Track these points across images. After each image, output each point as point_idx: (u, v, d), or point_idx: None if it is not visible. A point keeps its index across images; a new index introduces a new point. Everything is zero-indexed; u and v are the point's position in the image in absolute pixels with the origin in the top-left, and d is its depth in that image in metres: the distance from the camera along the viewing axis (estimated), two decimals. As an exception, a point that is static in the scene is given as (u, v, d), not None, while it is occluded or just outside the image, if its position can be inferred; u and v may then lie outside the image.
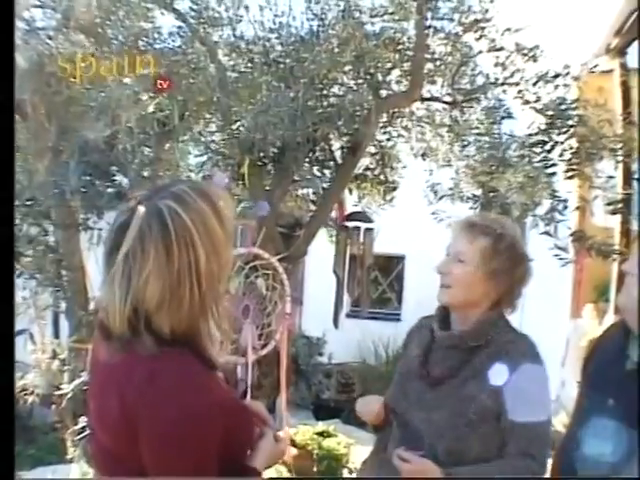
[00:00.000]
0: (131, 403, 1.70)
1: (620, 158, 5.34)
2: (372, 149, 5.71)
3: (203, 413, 1.73)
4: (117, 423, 1.73)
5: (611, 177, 5.41)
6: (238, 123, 5.07)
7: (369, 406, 2.84)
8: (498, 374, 2.59)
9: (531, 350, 2.63)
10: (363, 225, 5.17)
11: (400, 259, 12.13)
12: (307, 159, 4.89)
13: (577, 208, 5.14)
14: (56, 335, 7.65)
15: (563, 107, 5.20)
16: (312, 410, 9.69)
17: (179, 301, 1.74)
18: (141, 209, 1.73)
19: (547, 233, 5.14)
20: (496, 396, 2.54)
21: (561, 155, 5.17)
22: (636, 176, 6.08)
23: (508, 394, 2.54)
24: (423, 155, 5.96)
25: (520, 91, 5.33)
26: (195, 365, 1.79)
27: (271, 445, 2.06)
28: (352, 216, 5.22)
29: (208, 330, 1.85)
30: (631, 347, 2.64)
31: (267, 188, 5.06)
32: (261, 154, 4.75)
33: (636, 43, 6.74)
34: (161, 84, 4.53)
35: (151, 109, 4.43)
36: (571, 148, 5.27)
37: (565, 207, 5.08)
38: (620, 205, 5.55)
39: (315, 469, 5.56)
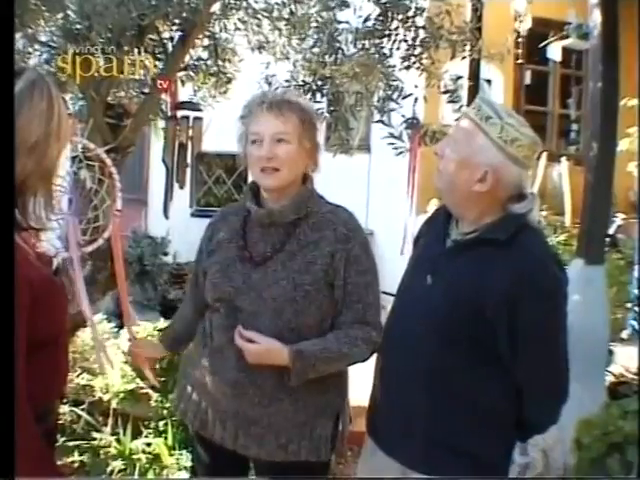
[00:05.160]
0: None
1: (459, 49, 5.37)
2: (206, 41, 5.57)
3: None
4: None
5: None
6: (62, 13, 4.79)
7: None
8: (327, 243, 2.67)
9: (353, 219, 2.75)
10: (192, 114, 5.06)
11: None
12: (137, 48, 4.71)
13: (409, 95, 5.15)
14: None
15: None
16: (159, 311, 9.67)
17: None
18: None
19: (381, 122, 5.19)
20: (327, 265, 2.64)
21: (394, 43, 5.15)
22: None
23: (339, 262, 2.64)
24: (260, 48, 5.85)
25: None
26: None
27: None
28: (181, 105, 5.09)
29: (36, 195, 2.05)
30: (452, 227, 2.77)
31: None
32: (87, 44, 4.53)
33: None
34: (161, 84, 4.72)
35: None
36: (408, 39, 5.26)
37: (399, 95, 5.12)
38: (456, 95, 5.59)
39: (157, 366, 5.55)
